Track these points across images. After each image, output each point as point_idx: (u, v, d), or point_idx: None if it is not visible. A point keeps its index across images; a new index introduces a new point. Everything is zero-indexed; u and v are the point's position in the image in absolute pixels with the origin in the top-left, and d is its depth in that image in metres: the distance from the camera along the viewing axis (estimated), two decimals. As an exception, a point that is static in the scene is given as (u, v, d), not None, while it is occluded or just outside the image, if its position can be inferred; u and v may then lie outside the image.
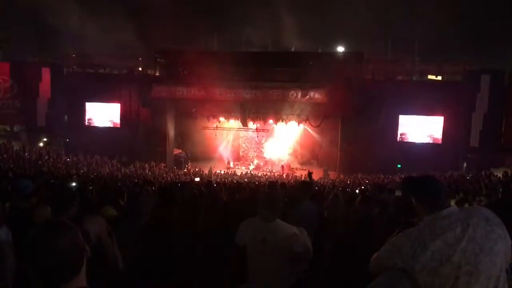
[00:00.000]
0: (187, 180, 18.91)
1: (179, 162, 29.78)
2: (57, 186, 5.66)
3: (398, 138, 26.28)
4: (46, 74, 27.97)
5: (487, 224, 1.91)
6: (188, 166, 29.75)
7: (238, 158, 32.69)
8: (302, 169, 28.91)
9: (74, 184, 8.25)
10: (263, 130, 29.20)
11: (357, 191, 11.23)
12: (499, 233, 1.90)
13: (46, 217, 3.11)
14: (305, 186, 5.48)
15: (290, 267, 3.14)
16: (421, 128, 25.94)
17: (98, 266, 2.66)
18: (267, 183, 11.42)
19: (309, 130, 29.71)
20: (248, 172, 28.80)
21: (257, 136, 30.45)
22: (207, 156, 30.98)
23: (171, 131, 29.42)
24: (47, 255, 1.47)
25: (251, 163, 31.54)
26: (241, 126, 29.58)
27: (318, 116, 26.95)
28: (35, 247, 1.49)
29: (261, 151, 32.65)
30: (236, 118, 28.78)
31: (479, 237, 1.87)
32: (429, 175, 2.34)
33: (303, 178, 21.44)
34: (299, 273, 3.27)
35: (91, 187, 8.55)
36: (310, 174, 6.75)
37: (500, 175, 16.16)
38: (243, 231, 3.24)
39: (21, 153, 21.72)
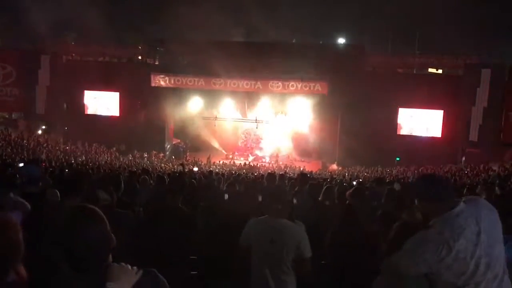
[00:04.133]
0: (185, 170, 18.85)
1: (178, 152, 29.75)
2: (67, 172, 5.65)
3: (397, 131, 26.26)
4: (45, 61, 27.75)
5: (491, 213, 1.97)
6: (187, 156, 29.70)
7: (237, 148, 32.62)
8: (301, 161, 28.93)
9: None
10: (262, 121, 29.14)
11: (354, 183, 11.22)
12: (499, 220, 1.99)
13: (56, 202, 3.11)
14: (303, 178, 5.47)
15: (294, 268, 3.02)
16: (420, 122, 25.90)
17: None
18: (265, 174, 11.36)
19: (309, 122, 29.61)
20: (247, 163, 28.77)
21: (256, 127, 30.35)
22: (206, 146, 30.87)
23: (170, 121, 29.35)
24: (81, 242, 1.45)
25: (249, 154, 31.48)
26: (241, 117, 29.47)
27: (318, 108, 26.90)
28: (68, 233, 1.47)
29: (260, 142, 32.58)
30: (235, 108, 28.66)
31: (490, 228, 1.92)
32: (428, 174, 2.37)
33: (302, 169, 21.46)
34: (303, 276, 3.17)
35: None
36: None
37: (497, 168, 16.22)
38: (249, 231, 3.14)
39: (19, 140, 21.68)
